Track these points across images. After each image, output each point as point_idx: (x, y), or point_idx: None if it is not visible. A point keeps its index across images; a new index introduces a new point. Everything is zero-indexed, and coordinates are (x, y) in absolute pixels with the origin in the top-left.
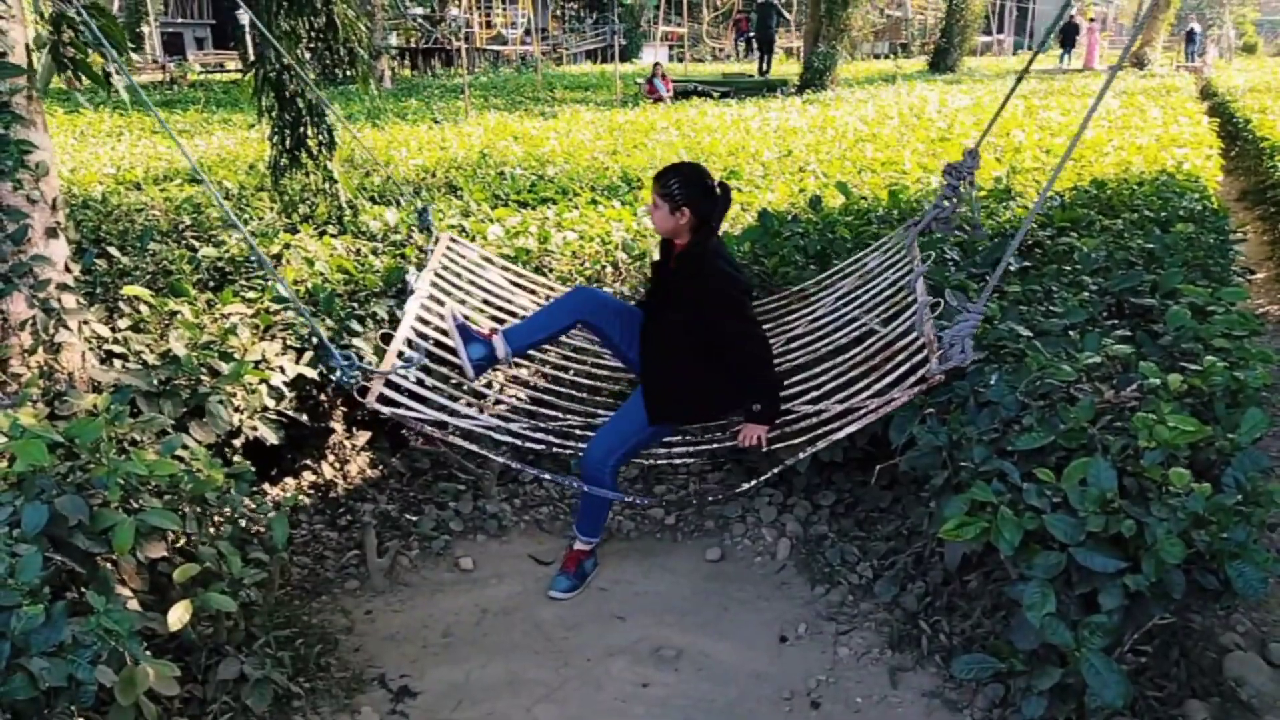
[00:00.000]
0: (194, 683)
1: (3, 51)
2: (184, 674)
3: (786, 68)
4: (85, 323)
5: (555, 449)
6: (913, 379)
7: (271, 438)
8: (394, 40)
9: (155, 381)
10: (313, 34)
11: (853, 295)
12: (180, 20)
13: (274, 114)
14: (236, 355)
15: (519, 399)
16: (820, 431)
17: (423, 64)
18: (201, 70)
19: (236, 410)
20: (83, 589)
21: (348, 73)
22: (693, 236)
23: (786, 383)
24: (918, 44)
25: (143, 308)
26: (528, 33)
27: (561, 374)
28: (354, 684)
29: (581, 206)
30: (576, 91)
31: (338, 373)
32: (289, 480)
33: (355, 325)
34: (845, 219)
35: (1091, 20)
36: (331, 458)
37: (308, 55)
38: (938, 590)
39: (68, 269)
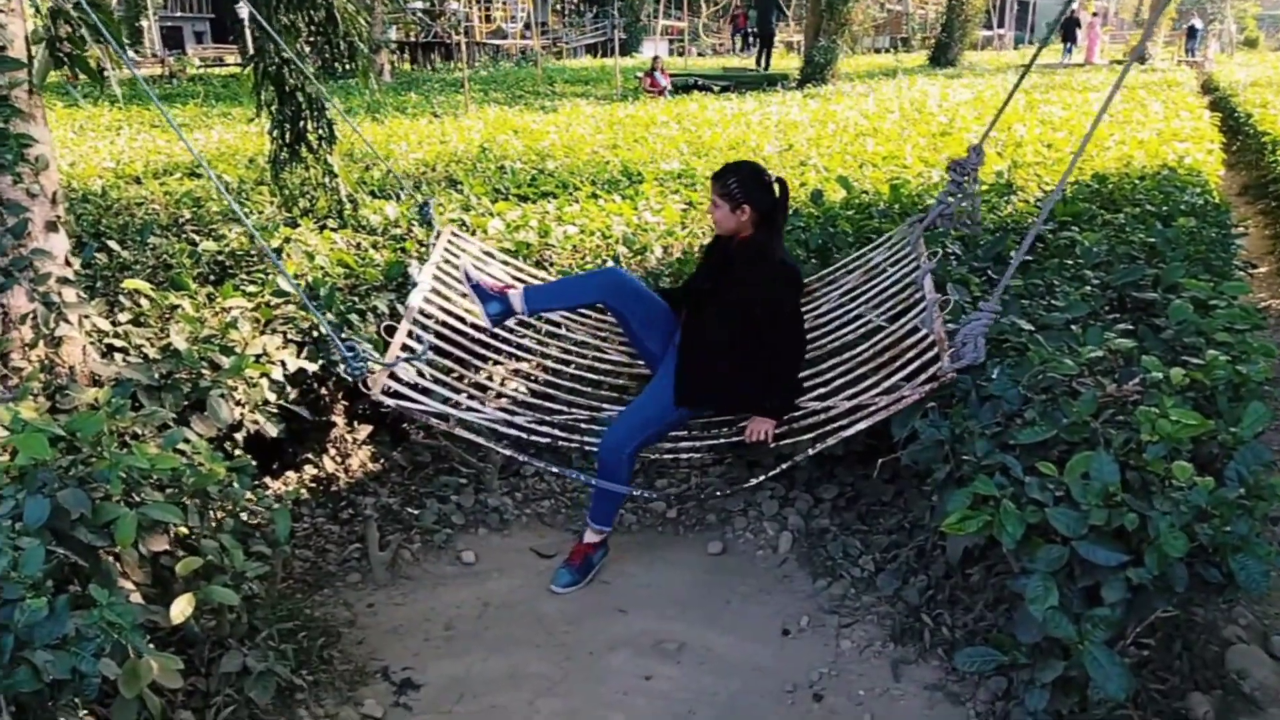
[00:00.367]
0: (197, 675)
1: (2, 45)
2: (187, 667)
3: (787, 62)
4: (86, 317)
5: (560, 442)
6: (923, 376)
7: (272, 431)
8: (394, 34)
9: (156, 375)
10: (312, 28)
11: (858, 291)
12: (179, 14)
13: (274, 108)
14: (237, 349)
15: (522, 392)
16: (829, 428)
17: (422, 58)
18: (201, 64)
19: (238, 404)
20: (85, 582)
21: (347, 67)
22: (754, 232)
23: None
24: (918, 38)
25: (143, 302)
26: (527, 26)
27: (565, 367)
28: (356, 677)
29: (582, 200)
30: (576, 85)
31: (343, 365)
32: (290, 474)
33: (355, 319)
34: (846, 213)
35: (1094, 15)
36: (333, 451)
37: (308, 49)
38: (940, 583)
39: (68, 263)
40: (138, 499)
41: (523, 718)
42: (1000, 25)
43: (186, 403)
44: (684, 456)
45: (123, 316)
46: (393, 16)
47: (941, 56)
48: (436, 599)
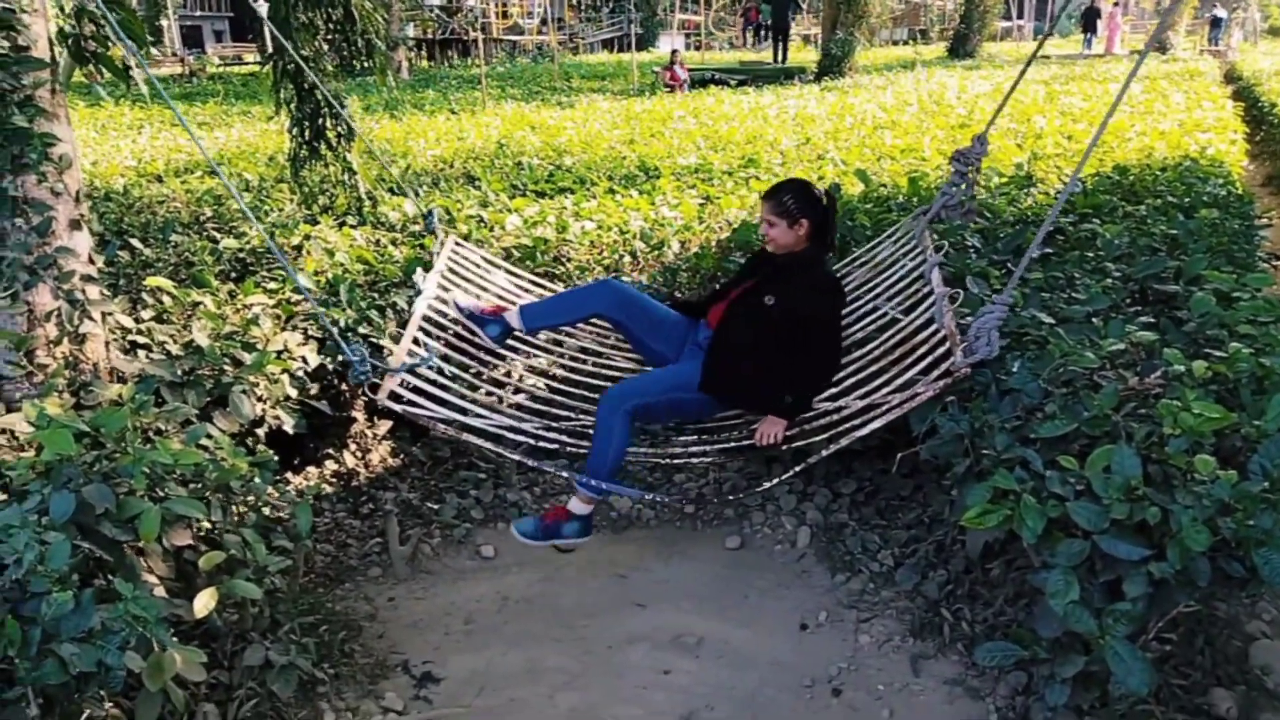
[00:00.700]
0: (220, 669)
1: (26, 46)
2: (210, 660)
3: (804, 55)
4: (109, 314)
5: (569, 449)
6: (936, 372)
7: (293, 427)
8: (411, 31)
9: (179, 372)
10: (330, 25)
11: (867, 286)
12: (199, 13)
13: (293, 106)
14: (259, 345)
15: (530, 400)
16: (843, 428)
17: (440, 55)
18: (220, 63)
19: (259, 400)
20: (110, 576)
21: (365, 64)
22: (808, 244)
23: None
24: (937, 30)
25: (166, 299)
26: (544, 22)
27: (572, 374)
28: (377, 670)
29: (599, 196)
30: (593, 81)
31: (349, 371)
32: (311, 469)
33: (375, 315)
34: (865, 207)
35: (1115, 4)
36: (353, 446)
37: (325, 47)
38: (959, 578)
39: (91, 261)
40: (161, 494)
41: (542, 711)
42: (1020, 16)
43: (209, 399)
44: (695, 462)
45: (145, 314)
46: (410, 13)
47: (960, 48)
48: (456, 593)
